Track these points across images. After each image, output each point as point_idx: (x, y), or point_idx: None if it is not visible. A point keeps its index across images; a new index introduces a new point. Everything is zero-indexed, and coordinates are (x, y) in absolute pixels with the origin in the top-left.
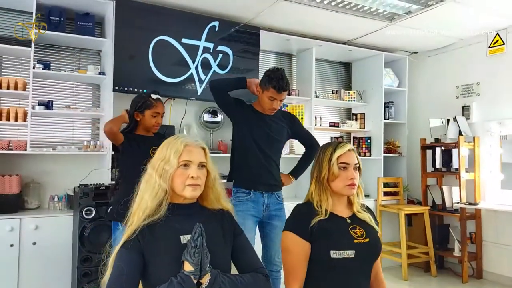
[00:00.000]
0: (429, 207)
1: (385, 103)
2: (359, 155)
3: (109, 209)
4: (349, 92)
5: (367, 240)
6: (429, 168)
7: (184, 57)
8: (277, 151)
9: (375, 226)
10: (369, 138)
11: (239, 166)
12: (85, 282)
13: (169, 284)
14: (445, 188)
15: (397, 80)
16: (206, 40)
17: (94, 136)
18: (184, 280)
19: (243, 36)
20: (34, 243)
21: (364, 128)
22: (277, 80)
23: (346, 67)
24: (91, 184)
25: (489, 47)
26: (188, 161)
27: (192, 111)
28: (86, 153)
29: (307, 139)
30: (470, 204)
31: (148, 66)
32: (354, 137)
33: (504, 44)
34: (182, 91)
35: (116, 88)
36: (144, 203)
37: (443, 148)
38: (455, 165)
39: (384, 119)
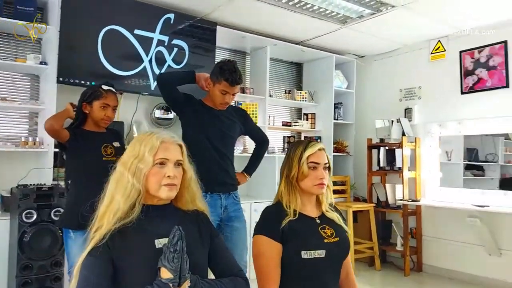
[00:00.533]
0: (374, 204)
1: (334, 104)
2: None
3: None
4: (300, 92)
5: (336, 239)
6: (375, 167)
7: (137, 50)
8: (230, 148)
9: (344, 225)
10: (319, 137)
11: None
12: None
13: None
14: (388, 186)
15: (346, 82)
16: (160, 33)
17: (32, 132)
18: None
19: (199, 31)
20: None
21: (314, 128)
22: (230, 73)
23: (298, 67)
24: (31, 185)
25: (431, 53)
26: (164, 159)
27: (143, 107)
28: (24, 150)
29: (259, 136)
30: (413, 201)
31: (96, 57)
32: (305, 137)
33: (445, 51)
34: (134, 86)
35: (60, 79)
36: (116, 204)
37: (387, 148)
38: (398, 164)
39: (333, 119)
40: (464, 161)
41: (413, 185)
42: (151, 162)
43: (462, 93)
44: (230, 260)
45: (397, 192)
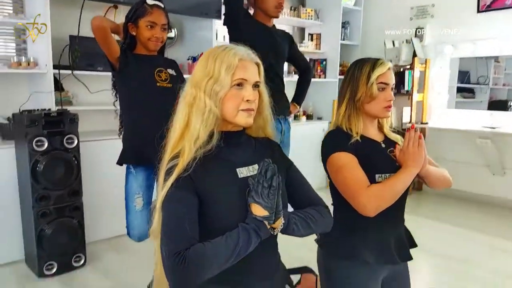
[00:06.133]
0: None
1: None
2: (313, 78)
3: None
4: (306, 10)
5: None
6: None
7: None
8: (282, 69)
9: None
10: (325, 60)
11: None
12: (44, 223)
13: (243, 231)
14: (394, 109)
15: None
16: None
17: (21, 52)
18: (260, 227)
19: None
20: None
21: (319, 50)
22: None
23: None
24: (36, 110)
25: None
26: (243, 79)
27: None
28: (18, 72)
29: (303, 62)
30: (422, 123)
31: None
32: (310, 59)
33: None
34: None
35: None
36: (195, 132)
37: (395, 70)
38: (405, 87)
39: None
40: (457, 84)
41: (420, 108)
42: (228, 83)
43: (479, 11)
44: (308, 190)
45: (404, 116)
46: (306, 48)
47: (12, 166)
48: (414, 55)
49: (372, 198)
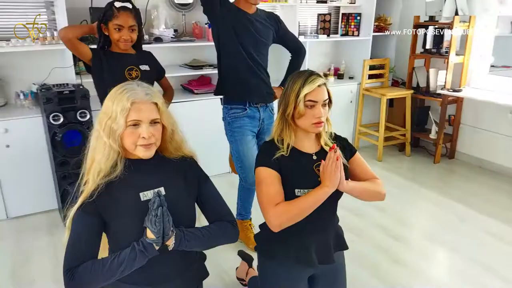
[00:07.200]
0: (412, 91)
1: None
2: (347, 34)
3: (76, 113)
4: None
5: None
6: (419, 49)
7: None
8: (265, 56)
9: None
10: (359, 14)
11: (229, 76)
12: (66, 184)
13: (131, 251)
14: (431, 71)
15: None
16: None
17: (51, 23)
18: (147, 248)
19: None
20: (8, 146)
21: (354, 3)
22: None
23: None
24: (54, 86)
25: None
26: (137, 120)
27: None
28: (44, 49)
29: (294, 44)
30: (454, 90)
31: None
32: (343, 14)
33: None
34: None
35: None
36: (97, 165)
37: (436, 27)
38: (445, 47)
39: None
40: None
41: (459, 71)
42: (123, 123)
43: None
44: (217, 205)
45: (439, 78)
46: (339, 1)
47: (42, 132)
48: (456, 13)
49: (276, 216)
